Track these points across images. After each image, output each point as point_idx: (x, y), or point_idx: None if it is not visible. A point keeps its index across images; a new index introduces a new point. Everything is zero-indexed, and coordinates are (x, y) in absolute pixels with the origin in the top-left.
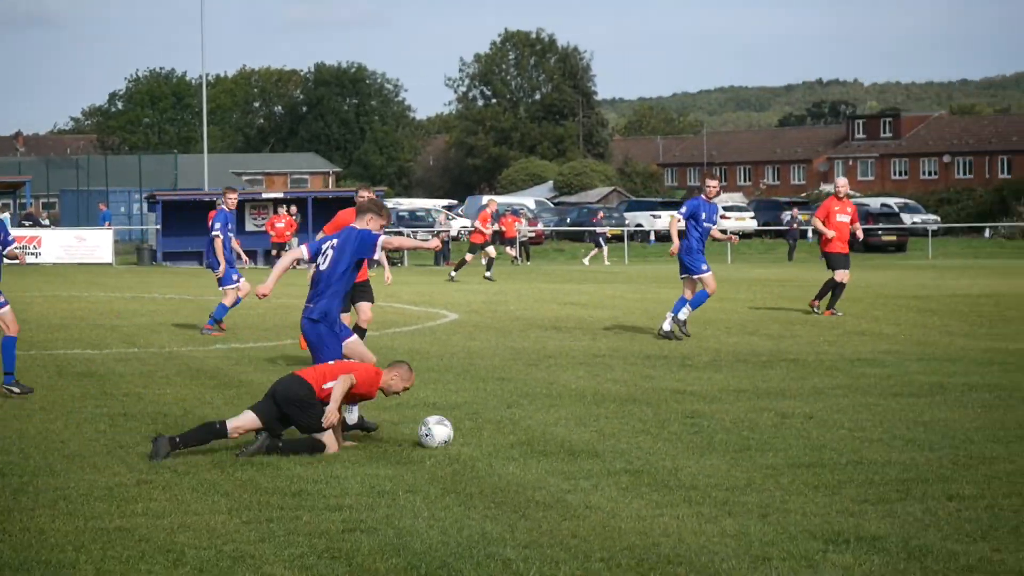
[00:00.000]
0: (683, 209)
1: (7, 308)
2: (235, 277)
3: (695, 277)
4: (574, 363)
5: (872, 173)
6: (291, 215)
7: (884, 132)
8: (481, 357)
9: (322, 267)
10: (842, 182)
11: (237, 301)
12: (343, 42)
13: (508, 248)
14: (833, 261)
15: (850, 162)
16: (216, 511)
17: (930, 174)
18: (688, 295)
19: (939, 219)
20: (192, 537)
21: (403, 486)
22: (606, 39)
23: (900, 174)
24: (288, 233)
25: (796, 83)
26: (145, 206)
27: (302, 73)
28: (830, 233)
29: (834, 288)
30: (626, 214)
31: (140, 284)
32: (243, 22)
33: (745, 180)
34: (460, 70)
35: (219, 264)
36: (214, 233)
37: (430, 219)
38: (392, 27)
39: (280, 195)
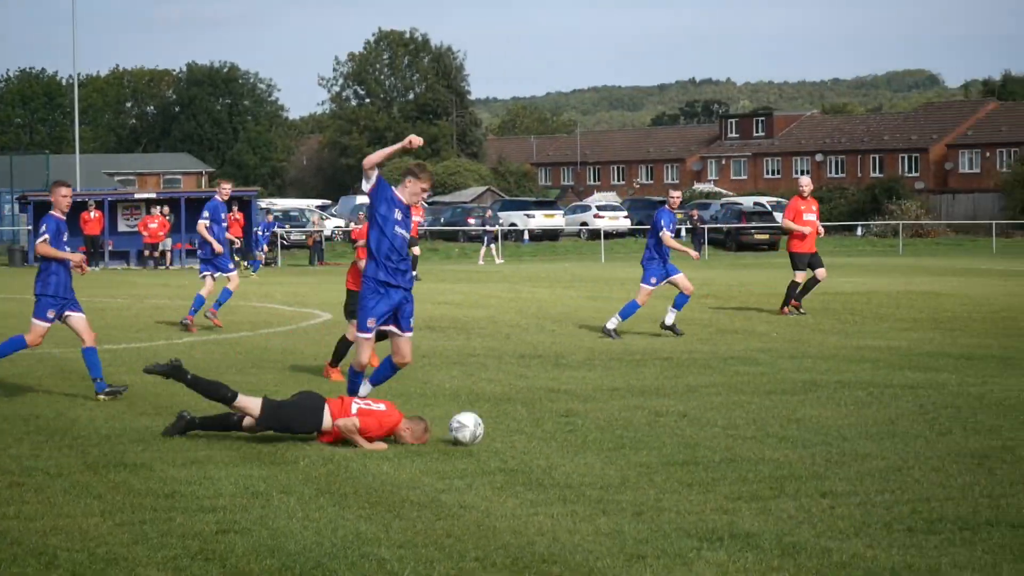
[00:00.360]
0: (663, 222)
1: (80, 315)
2: (230, 266)
3: (643, 285)
4: (448, 363)
5: (745, 172)
6: (164, 216)
7: (757, 131)
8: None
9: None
10: (805, 181)
11: (228, 294)
12: (216, 42)
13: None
14: (797, 261)
15: (723, 161)
16: (89, 513)
17: (802, 173)
18: (687, 288)
19: None
20: (64, 540)
21: (277, 487)
22: (480, 39)
23: (773, 173)
24: (161, 234)
25: (669, 83)
26: (16, 207)
27: (175, 73)
28: (806, 230)
29: (807, 285)
30: (500, 213)
31: (11, 285)
32: (115, 21)
33: (619, 179)
34: (334, 69)
35: (211, 248)
36: (201, 220)
37: (304, 219)
38: (265, 27)
39: (153, 195)
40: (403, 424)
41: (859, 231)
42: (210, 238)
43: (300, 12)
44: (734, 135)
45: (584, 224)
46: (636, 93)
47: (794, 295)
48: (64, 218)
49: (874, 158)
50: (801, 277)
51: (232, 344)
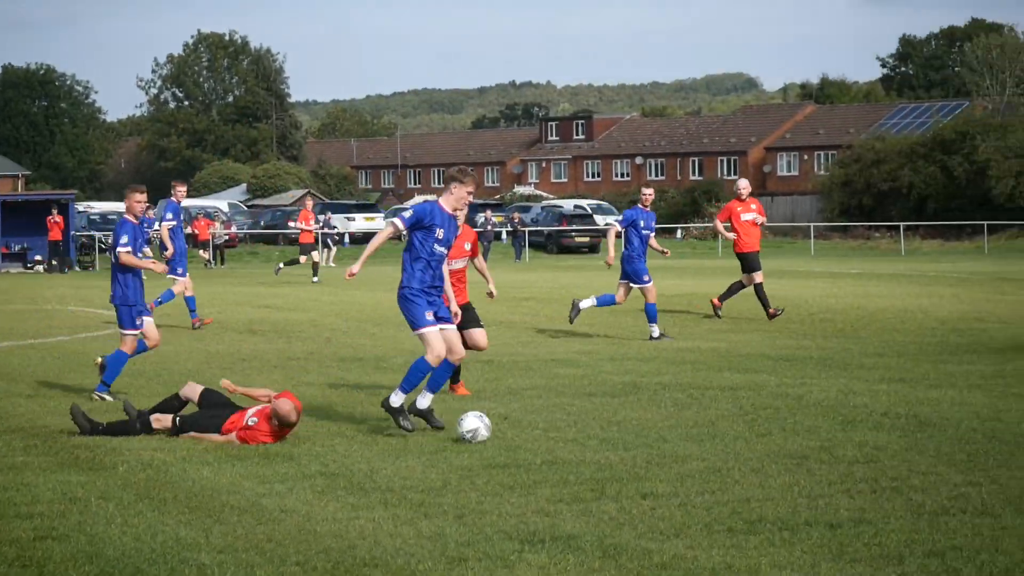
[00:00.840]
0: (621, 218)
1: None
2: (180, 270)
3: (635, 286)
4: (269, 366)
5: (565, 175)
6: None
7: (577, 134)
8: (175, 361)
9: None
10: (743, 183)
11: (169, 296)
12: (32, 44)
13: (201, 251)
14: (749, 262)
15: (544, 164)
16: None
17: (623, 176)
18: (621, 298)
19: None
20: None
21: (96, 492)
22: (299, 41)
23: (593, 176)
24: None
25: (489, 85)
26: None
27: None
28: (730, 236)
29: (756, 290)
30: (320, 216)
31: None
32: None
33: (439, 182)
34: (153, 71)
35: (168, 249)
36: (165, 223)
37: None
38: (82, 29)
39: None
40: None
41: (679, 234)
42: (168, 241)
43: (118, 14)
44: (554, 138)
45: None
46: (456, 96)
47: (763, 297)
48: (138, 223)
49: (694, 161)
50: (760, 277)
51: (50, 349)
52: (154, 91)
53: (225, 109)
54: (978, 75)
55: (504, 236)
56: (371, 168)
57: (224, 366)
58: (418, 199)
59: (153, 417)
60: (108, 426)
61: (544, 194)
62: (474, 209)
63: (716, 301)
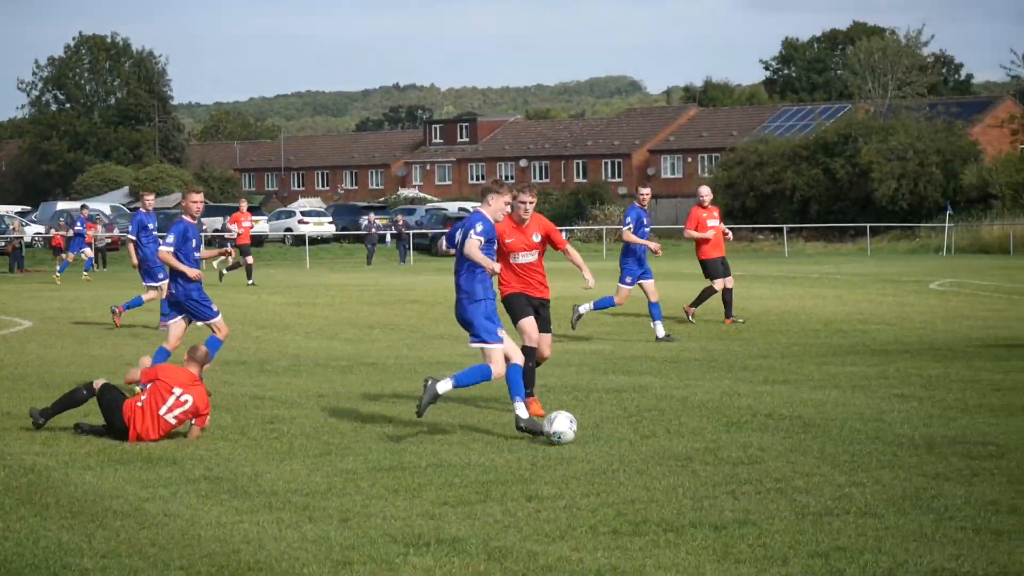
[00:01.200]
0: (629, 219)
1: (219, 317)
2: (160, 275)
3: (619, 285)
4: None
5: (450, 177)
6: None
7: (461, 137)
8: (57, 365)
9: None
10: (705, 191)
11: (138, 301)
12: None
13: (84, 252)
14: (711, 269)
15: (428, 167)
16: None
17: (507, 178)
18: (621, 299)
19: None
20: None
21: None
22: (182, 43)
23: (478, 178)
24: None
25: (373, 88)
26: None
27: None
28: (708, 234)
29: (723, 296)
30: (203, 219)
31: None
32: None
33: (323, 185)
34: (34, 73)
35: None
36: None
37: (3, 226)
38: None
39: None
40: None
41: (563, 235)
42: (134, 252)
43: None
44: (438, 141)
45: (289, 230)
46: (340, 98)
47: (728, 303)
48: (195, 223)
49: (578, 163)
50: (719, 284)
51: None
52: (35, 93)
53: (107, 112)
54: (860, 78)
55: (388, 239)
56: (255, 171)
57: (108, 370)
58: (302, 201)
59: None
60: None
61: (428, 197)
62: (357, 212)
63: (689, 308)
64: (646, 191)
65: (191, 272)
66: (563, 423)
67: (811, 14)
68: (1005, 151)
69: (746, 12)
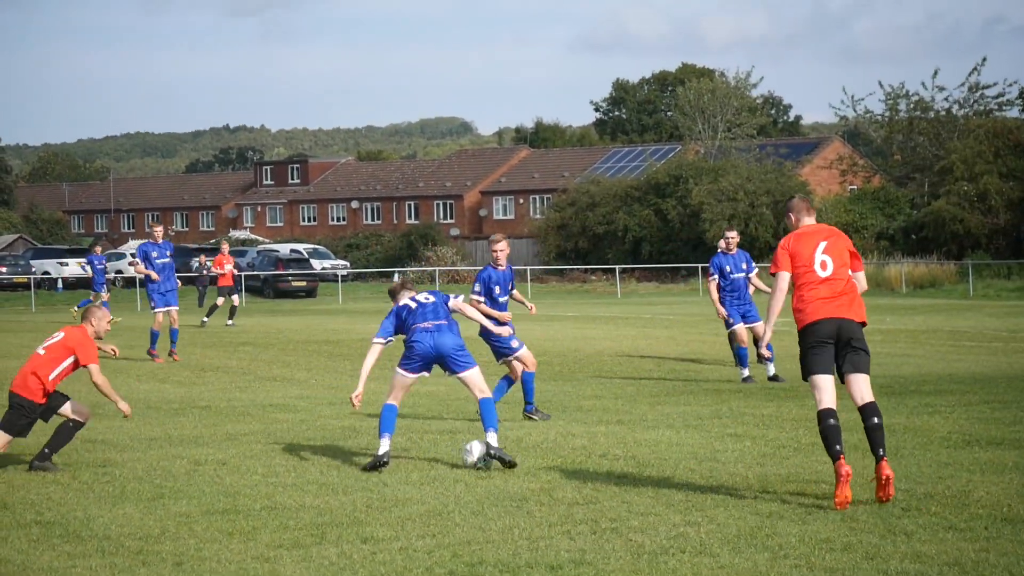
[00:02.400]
0: (712, 270)
1: (524, 349)
2: (152, 305)
3: (750, 326)
4: None
5: (281, 219)
6: None
7: (292, 178)
8: None
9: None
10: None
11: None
12: None
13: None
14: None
15: (259, 208)
16: None
17: (339, 219)
18: (743, 341)
19: (348, 264)
20: None
21: None
22: (8, 84)
23: (309, 220)
24: None
25: (204, 129)
26: None
27: None
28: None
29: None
30: (32, 262)
31: None
32: None
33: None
34: None
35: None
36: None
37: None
38: None
39: None
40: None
41: (396, 277)
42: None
43: None
44: (269, 182)
45: (119, 272)
46: (170, 140)
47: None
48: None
49: (410, 204)
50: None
51: None
52: None
53: None
54: (690, 119)
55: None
56: (84, 212)
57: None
58: (132, 244)
59: None
60: None
61: (260, 238)
62: (187, 254)
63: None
64: (732, 235)
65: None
66: (479, 448)
67: (641, 57)
68: (834, 192)
69: (577, 54)
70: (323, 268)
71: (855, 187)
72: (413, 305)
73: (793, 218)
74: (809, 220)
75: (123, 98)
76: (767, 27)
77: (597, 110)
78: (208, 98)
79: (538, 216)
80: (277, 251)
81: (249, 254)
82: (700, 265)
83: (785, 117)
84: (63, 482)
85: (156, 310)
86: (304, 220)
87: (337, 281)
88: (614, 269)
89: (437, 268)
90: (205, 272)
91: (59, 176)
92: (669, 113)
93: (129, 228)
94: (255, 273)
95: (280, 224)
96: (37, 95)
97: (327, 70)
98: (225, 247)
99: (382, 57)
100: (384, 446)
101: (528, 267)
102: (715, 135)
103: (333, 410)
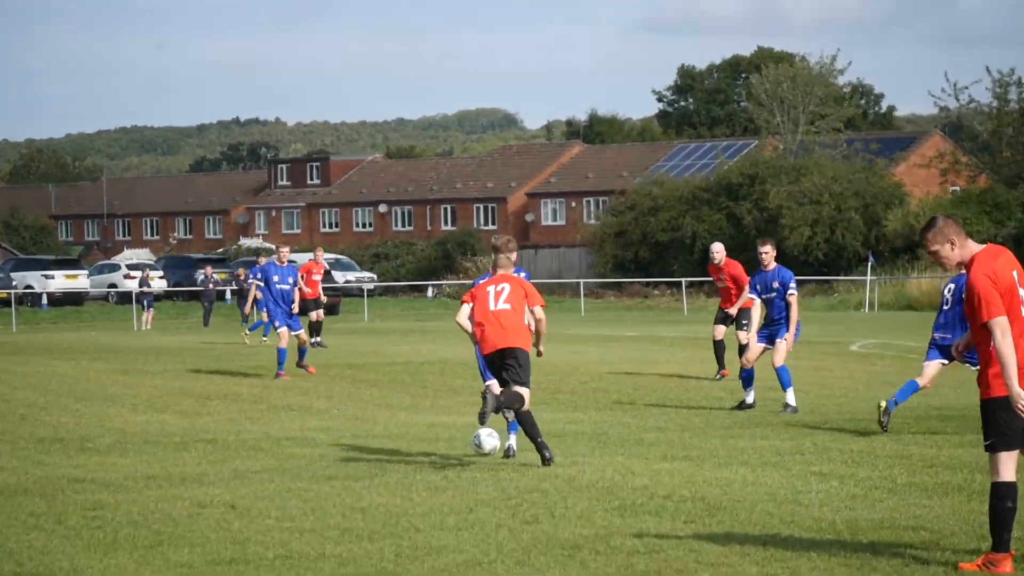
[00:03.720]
0: (748, 288)
1: None
2: (276, 323)
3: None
4: None
5: (298, 225)
6: None
7: (311, 178)
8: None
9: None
10: (715, 248)
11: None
12: None
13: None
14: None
15: (273, 212)
16: None
17: (365, 226)
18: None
19: (375, 277)
20: None
21: None
22: None
23: (331, 226)
24: None
25: (210, 123)
26: None
27: None
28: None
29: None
30: (13, 274)
31: None
32: None
33: (153, 233)
34: None
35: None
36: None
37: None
38: None
39: None
40: None
41: (430, 292)
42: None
43: None
44: (285, 183)
45: (113, 286)
46: (171, 135)
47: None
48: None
49: (445, 208)
50: (719, 332)
51: None
52: None
53: None
54: (767, 110)
55: (229, 296)
56: (73, 218)
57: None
58: (128, 253)
59: None
60: None
61: (274, 247)
62: (192, 265)
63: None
64: (766, 249)
65: None
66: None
67: (711, 39)
68: (933, 193)
69: (637, 36)
70: (346, 281)
71: (958, 188)
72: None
73: (955, 243)
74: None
75: (117, 87)
76: (856, 4)
77: (660, 100)
78: (215, 87)
79: (593, 221)
80: (295, 262)
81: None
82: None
83: (876, 108)
84: (47, 528)
85: (280, 328)
86: (325, 226)
87: (363, 296)
88: (680, 282)
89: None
90: (212, 286)
91: (44, 176)
92: (743, 104)
93: (124, 235)
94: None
95: (297, 231)
96: (18, 84)
97: (351, 55)
98: (319, 253)
99: (414, 40)
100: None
101: (581, 280)
102: (796, 128)
103: (357, 444)
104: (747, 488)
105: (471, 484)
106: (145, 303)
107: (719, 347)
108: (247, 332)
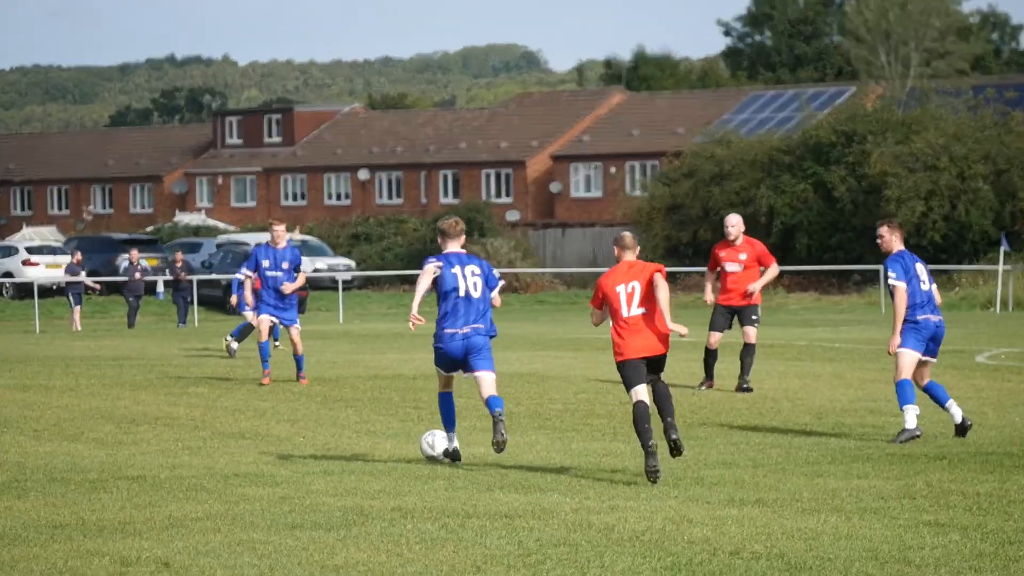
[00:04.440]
0: (893, 272)
1: None
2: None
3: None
4: None
5: (253, 196)
6: None
7: (270, 135)
8: None
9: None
10: (733, 220)
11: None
12: None
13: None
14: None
15: (220, 179)
16: None
17: (339, 197)
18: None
19: (353, 264)
20: None
21: None
22: None
23: (295, 197)
24: None
25: (137, 61)
26: None
27: None
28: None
29: (744, 357)
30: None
31: None
32: None
33: (61, 207)
34: None
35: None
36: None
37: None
38: None
39: None
40: None
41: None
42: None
43: None
44: (236, 141)
45: (8, 275)
46: (87, 77)
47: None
48: None
49: (446, 175)
50: (714, 340)
51: None
52: None
53: None
54: (868, 48)
55: (161, 288)
56: None
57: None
58: (28, 231)
59: None
60: None
61: (221, 225)
62: (113, 247)
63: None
64: (886, 230)
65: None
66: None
67: None
68: None
69: None
70: (315, 270)
71: None
72: None
73: None
74: None
75: (13, 15)
76: None
77: (728, 34)
78: (143, 16)
79: (638, 192)
80: (247, 244)
81: (205, 248)
82: (882, 267)
83: (1013, 44)
84: None
85: (261, 315)
86: (288, 198)
87: (336, 289)
88: None
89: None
90: (139, 275)
91: None
92: (836, 39)
93: (23, 209)
94: (213, 277)
95: (251, 204)
96: None
97: None
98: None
99: None
100: None
101: None
102: (906, 72)
103: (330, 481)
104: (839, 542)
105: (478, 535)
106: (73, 297)
107: (713, 356)
108: (229, 337)
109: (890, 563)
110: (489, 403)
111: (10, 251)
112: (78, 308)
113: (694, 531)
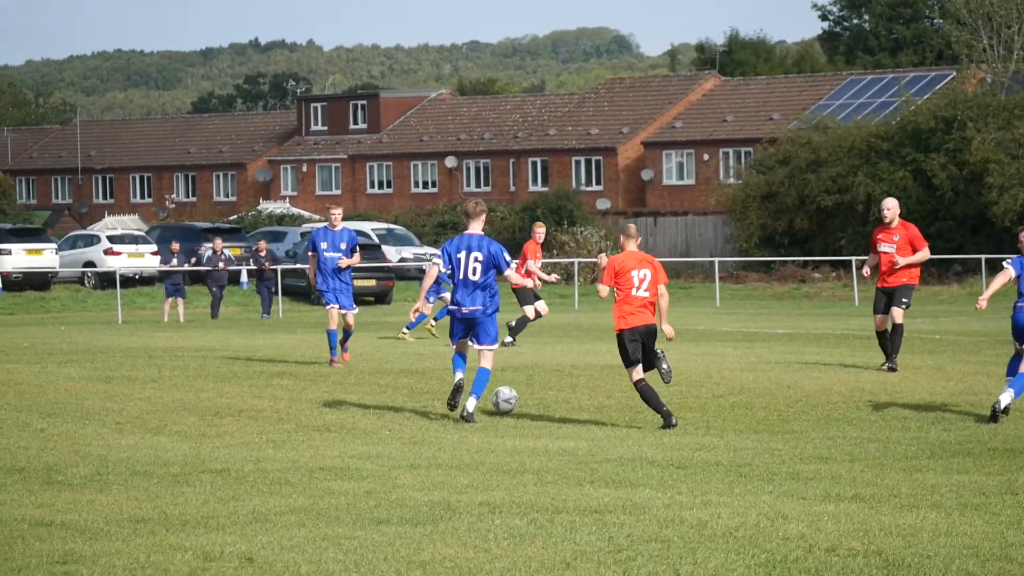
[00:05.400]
0: (1010, 260)
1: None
2: (324, 301)
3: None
4: None
5: (338, 184)
6: None
7: (356, 122)
8: None
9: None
10: (889, 204)
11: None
12: None
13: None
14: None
15: (304, 167)
16: None
17: (426, 185)
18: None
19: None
20: None
21: None
22: None
23: (381, 186)
24: None
25: (220, 47)
26: None
27: None
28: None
29: (891, 338)
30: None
31: None
32: None
33: (144, 195)
34: None
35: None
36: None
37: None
38: None
39: None
40: None
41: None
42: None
43: None
44: (320, 128)
45: (90, 264)
46: (169, 63)
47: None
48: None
49: (535, 163)
50: (879, 321)
51: None
52: None
53: None
54: (970, 30)
55: (244, 278)
56: (36, 173)
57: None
58: (110, 220)
59: None
60: None
61: (306, 214)
62: (196, 237)
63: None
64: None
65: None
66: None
67: None
68: None
69: None
70: (402, 259)
71: None
72: None
73: None
74: None
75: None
76: None
77: (825, 18)
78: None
79: (732, 180)
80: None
81: (289, 238)
82: (984, 257)
83: None
84: None
85: (329, 306)
86: (374, 186)
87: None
88: (849, 262)
89: (576, 260)
90: (223, 265)
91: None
92: (937, 22)
93: (105, 197)
94: (297, 266)
95: (337, 192)
96: None
97: None
98: (539, 231)
99: None
100: None
101: (716, 258)
102: (1009, 55)
103: (417, 476)
104: (939, 539)
105: (567, 530)
106: (168, 288)
107: (883, 337)
108: (406, 330)
109: (991, 560)
110: (478, 374)
111: (92, 240)
112: (171, 300)
113: (789, 527)
